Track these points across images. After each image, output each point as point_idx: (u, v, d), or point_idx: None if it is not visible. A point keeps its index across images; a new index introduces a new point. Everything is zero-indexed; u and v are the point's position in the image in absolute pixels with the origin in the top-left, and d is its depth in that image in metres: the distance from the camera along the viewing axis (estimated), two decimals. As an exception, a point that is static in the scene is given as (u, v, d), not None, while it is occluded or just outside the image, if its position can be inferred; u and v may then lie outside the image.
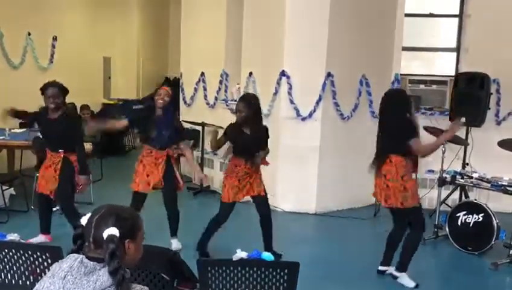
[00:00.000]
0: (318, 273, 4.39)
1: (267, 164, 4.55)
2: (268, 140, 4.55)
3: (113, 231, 1.60)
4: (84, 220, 1.70)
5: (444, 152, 5.27)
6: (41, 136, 5.00)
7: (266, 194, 4.53)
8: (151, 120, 4.65)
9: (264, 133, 4.50)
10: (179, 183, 4.78)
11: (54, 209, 5.76)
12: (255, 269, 2.74)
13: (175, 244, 4.82)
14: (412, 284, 4.22)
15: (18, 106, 4.93)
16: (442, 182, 5.35)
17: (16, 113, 4.91)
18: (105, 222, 1.63)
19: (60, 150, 4.64)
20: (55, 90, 4.53)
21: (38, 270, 2.82)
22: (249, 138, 4.39)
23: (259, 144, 4.43)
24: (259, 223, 4.57)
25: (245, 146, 4.41)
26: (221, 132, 4.62)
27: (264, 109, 6.46)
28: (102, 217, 1.65)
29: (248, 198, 4.57)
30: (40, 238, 4.82)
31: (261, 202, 4.49)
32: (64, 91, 4.60)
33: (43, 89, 4.54)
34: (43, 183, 4.73)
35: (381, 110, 4.24)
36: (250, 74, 6.78)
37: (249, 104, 4.36)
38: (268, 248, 4.46)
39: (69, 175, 4.67)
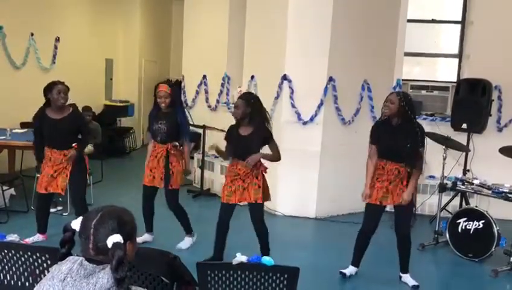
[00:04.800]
0: (318, 278, 4.38)
1: (264, 170, 4.36)
2: (272, 145, 4.32)
3: (119, 237, 1.57)
4: (75, 225, 1.67)
5: (445, 158, 5.27)
6: (35, 136, 4.81)
7: (263, 202, 4.32)
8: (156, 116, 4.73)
9: (262, 135, 4.24)
10: (174, 181, 4.71)
11: (53, 210, 5.77)
12: (254, 273, 2.73)
13: (186, 243, 4.85)
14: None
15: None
16: (442, 188, 5.35)
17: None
18: (106, 227, 1.60)
19: (72, 146, 4.68)
20: (64, 86, 4.64)
21: (37, 272, 2.81)
22: (242, 139, 4.24)
23: (255, 145, 4.22)
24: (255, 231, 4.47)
25: (236, 147, 4.29)
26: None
27: (266, 112, 6.49)
28: (102, 222, 1.60)
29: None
30: (38, 237, 4.82)
31: (255, 209, 4.31)
32: (68, 89, 4.70)
33: (50, 87, 4.58)
34: (54, 184, 4.69)
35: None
36: (252, 77, 6.78)
37: (247, 102, 4.20)
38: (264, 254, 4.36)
39: (83, 168, 4.80)
